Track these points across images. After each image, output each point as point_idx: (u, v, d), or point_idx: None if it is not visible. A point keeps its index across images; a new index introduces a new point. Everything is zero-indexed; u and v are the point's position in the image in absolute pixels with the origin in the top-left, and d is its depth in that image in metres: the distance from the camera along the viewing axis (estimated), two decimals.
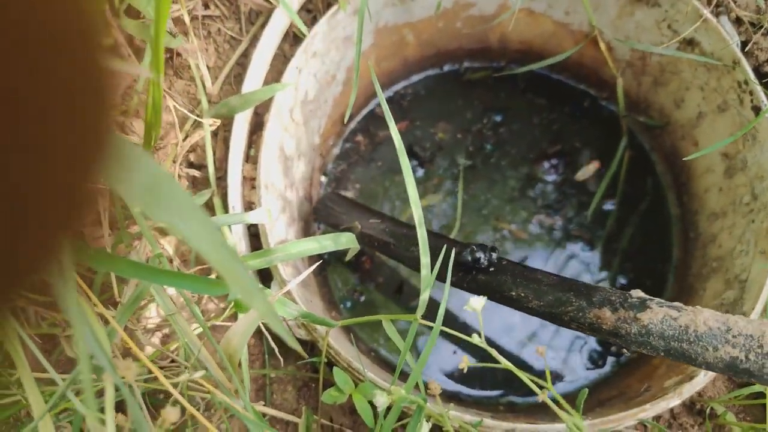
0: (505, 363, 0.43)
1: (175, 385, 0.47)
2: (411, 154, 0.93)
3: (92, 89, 0.18)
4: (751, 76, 0.67)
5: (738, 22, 0.72)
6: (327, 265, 0.88)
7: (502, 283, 0.60)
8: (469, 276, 0.62)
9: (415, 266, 0.72)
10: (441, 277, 0.55)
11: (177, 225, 0.27)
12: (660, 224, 0.87)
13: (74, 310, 0.35)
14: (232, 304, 0.53)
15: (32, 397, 0.42)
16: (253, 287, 0.29)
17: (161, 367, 0.62)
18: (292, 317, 0.56)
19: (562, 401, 0.41)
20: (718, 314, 0.48)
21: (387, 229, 0.71)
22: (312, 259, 0.81)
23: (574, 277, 0.86)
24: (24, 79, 0.15)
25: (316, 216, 0.83)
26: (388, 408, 0.51)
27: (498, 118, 0.95)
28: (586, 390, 0.63)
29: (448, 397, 0.81)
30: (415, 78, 0.96)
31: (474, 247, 0.61)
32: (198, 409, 0.60)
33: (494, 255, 0.61)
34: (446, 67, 0.96)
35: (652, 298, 0.52)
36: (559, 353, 0.82)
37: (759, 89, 0.66)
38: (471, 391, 0.82)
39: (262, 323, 0.65)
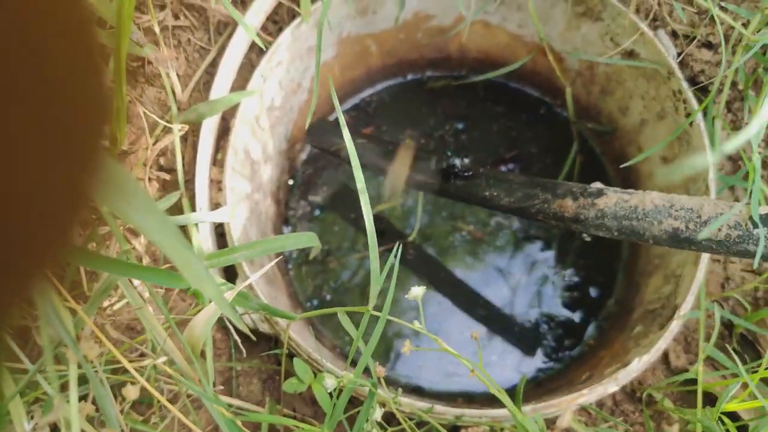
0: (443, 346, 0.47)
1: (140, 373, 0.51)
2: None
3: (91, 100, 0.18)
4: (685, 85, 0.72)
5: (674, 35, 0.77)
6: (293, 265, 0.91)
7: (477, 185, 0.68)
8: (449, 182, 0.70)
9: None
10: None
11: (128, 212, 0.31)
12: None
13: (41, 298, 0.39)
14: (193, 292, 0.56)
15: (4, 382, 0.45)
16: (198, 267, 0.32)
17: (129, 361, 0.65)
18: (253, 310, 0.60)
19: (492, 381, 0.45)
20: (664, 194, 0.55)
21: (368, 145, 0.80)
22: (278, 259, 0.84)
23: (531, 274, 0.91)
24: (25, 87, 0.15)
25: (309, 140, 0.88)
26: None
27: (459, 126, 0.99)
28: (525, 376, 0.67)
29: (410, 391, 0.85)
30: (379, 86, 1.00)
31: (449, 153, 0.69)
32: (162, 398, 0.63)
33: (466, 160, 0.69)
34: (409, 76, 1.01)
35: (609, 187, 0.59)
36: (518, 352, 0.87)
37: (692, 97, 0.71)
38: (431, 385, 0.86)
39: (227, 319, 0.69)
